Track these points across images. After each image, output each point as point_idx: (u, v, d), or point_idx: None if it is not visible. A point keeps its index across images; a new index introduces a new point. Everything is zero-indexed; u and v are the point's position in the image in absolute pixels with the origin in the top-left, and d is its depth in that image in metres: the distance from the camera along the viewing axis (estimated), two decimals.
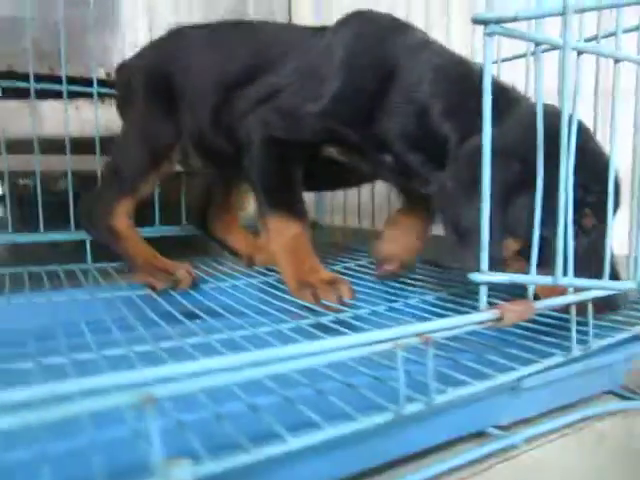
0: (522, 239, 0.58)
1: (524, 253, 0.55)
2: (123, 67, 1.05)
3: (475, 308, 0.47)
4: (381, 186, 1.15)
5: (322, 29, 0.88)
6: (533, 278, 0.44)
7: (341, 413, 0.39)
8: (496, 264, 0.52)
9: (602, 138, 0.66)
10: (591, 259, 0.56)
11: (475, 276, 0.43)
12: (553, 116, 0.46)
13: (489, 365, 0.48)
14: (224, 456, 0.33)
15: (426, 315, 0.67)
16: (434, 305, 0.73)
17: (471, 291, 0.79)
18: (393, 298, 0.78)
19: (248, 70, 0.88)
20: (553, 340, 0.55)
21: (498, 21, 0.39)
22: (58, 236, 1.05)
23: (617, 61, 0.49)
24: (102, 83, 1.14)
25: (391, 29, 0.79)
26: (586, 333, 0.54)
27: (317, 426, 0.37)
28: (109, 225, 0.91)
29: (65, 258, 1.04)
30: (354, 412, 0.39)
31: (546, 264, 0.48)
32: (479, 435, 0.55)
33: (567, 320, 0.53)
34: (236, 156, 0.85)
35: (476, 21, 0.40)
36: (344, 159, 0.82)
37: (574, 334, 0.51)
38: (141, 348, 0.56)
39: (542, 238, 0.45)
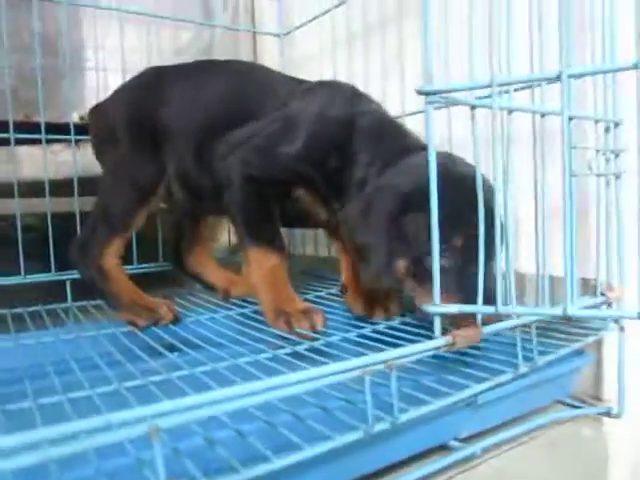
0: (406, 257, 0.73)
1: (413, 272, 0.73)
2: (97, 108, 1.08)
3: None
4: None
5: (299, 81, 0.98)
6: (479, 308, 0.51)
7: (318, 434, 0.45)
8: (386, 279, 0.75)
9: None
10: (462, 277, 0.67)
11: (429, 307, 0.49)
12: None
13: (447, 384, 0.54)
14: (218, 478, 0.38)
15: (392, 340, 0.73)
16: (399, 330, 0.79)
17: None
18: (362, 324, 0.83)
19: (229, 115, 0.95)
20: (503, 358, 0.62)
21: (437, 92, 0.47)
22: (39, 277, 1.08)
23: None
24: (76, 127, 1.19)
25: (352, 96, 0.92)
26: (532, 351, 0.61)
27: (298, 447, 0.42)
28: (99, 265, 0.94)
29: (45, 295, 1.07)
30: (329, 432, 0.45)
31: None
32: (441, 448, 0.61)
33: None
34: (217, 193, 0.91)
35: (420, 92, 0.47)
36: (310, 201, 0.89)
37: (520, 353, 0.58)
38: (131, 383, 0.60)
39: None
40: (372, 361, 0.45)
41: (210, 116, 0.96)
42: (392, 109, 0.92)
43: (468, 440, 0.61)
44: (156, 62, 1.38)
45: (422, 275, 0.71)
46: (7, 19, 1.08)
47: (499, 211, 0.56)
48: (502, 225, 0.56)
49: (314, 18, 1.28)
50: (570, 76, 0.49)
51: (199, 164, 0.96)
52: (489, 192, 0.58)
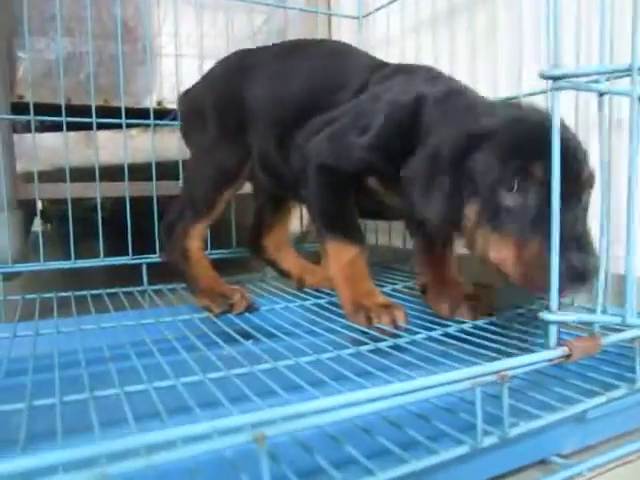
0: (476, 201, 0.65)
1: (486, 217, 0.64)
2: (187, 94, 1.08)
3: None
4: None
5: (382, 65, 0.93)
6: (600, 318, 0.46)
7: (420, 446, 0.42)
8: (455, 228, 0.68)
9: None
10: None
11: (546, 315, 0.45)
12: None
13: (555, 397, 0.50)
14: None
15: (480, 341, 0.68)
16: (486, 330, 0.74)
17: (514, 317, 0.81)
18: (445, 322, 0.79)
19: (311, 102, 0.91)
20: (615, 370, 0.56)
21: (564, 77, 0.42)
22: (117, 260, 1.09)
23: None
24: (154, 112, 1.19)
25: (430, 79, 0.83)
26: None
27: (400, 459, 0.39)
28: (182, 247, 0.96)
29: (123, 277, 1.10)
30: (431, 444, 0.41)
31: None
32: (542, 463, 0.56)
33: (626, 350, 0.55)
34: (295, 181, 0.89)
35: (544, 76, 0.42)
36: (385, 192, 0.85)
37: (638, 366, 0.53)
38: (215, 375, 0.59)
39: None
40: (483, 372, 0.41)
41: (294, 102, 0.94)
42: (483, 92, 0.85)
43: (571, 456, 0.56)
44: (231, 47, 1.37)
45: (496, 218, 0.63)
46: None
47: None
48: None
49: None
50: None
51: (280, 150, 0.94)
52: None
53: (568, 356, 0.46)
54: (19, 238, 1.04)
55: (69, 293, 0.98)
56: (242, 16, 1.34)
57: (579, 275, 0.54)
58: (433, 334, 0.74)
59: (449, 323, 0.78)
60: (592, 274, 0.54)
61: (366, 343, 0.70)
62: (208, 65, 1.11)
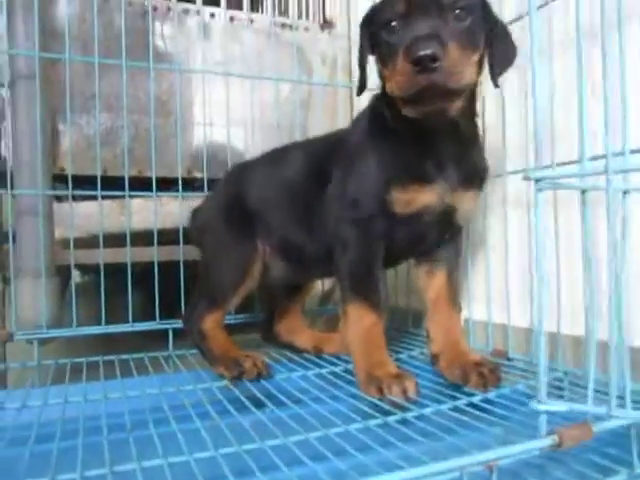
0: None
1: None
2: (197, 212, 1.18)
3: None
4: None
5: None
6: (590, 408, 0.48)
7: None
8: None
9: None
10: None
11: (535, 405, 0.47)
12: None
13: None
14: None
15: (488, 417, 0.69)
16: (495, 404, 0.75)
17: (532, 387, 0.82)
18: (456, 394, 0.80)
19: (312, 180, 0.98)
20: (615, 452, 0.57)
21: (545, 179, 0.45)
22: (145, 326, 1.15)
23: None
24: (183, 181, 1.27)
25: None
26: None
27: None
28: (199, 329, 1.03)
29: (151, 339, 1.15)
30: None
31: None
32: None
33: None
34: (325, 254, 0.93)
35: (527, 178, 0.46)
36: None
37: (635, 450, 0.53)
38: (226, 450, 0.62)
39: None
40: (471, 462, 0.43)
41: (295, 185, 1.02)
42: None
43: None
44: (258, 115, 1.46)
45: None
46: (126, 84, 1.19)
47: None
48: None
49: None
50: None
51: (303, 230, 1.01)
52: None
53: (558, 444, 0.47)
54: (55, 304, 1.11)
55: (98, 358, 1.04)
56: (269, 86, 1.41)
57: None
58: (442, 407, 0.75)
59: (459, 395, 0.80)
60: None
61: (375, 417, 0.72)
62: (234, 132, 1.20)
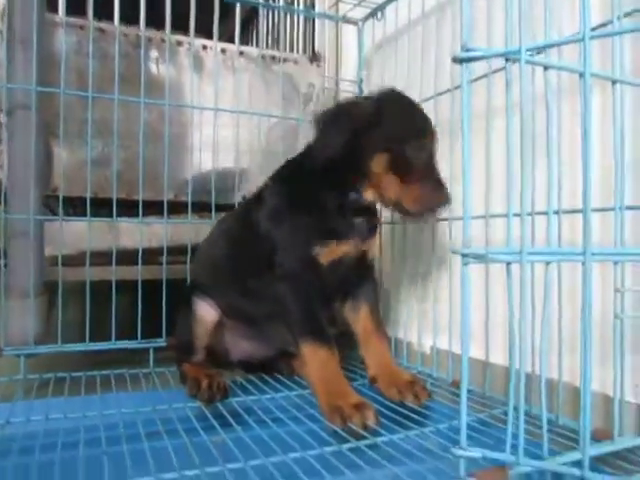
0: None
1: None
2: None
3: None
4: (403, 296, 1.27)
5: None
6: (500, 456, 0.54)
7: None
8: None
9: None
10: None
11: (455, 450, 0.53)
12: None
13: None
14: None
15: (434, 449, 0.76)
16: (443, 436, 0.82)
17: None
18: (411, 425, 0.87)
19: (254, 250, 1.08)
20: None
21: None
22: (127, 344, 1.21)
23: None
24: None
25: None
26: None
27: None
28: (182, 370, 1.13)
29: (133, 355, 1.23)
30: None
31: None
32: None
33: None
34: (264, 307, 1.08)
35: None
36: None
37: None
38: (191, 472, 0.69)
39: None
40: None
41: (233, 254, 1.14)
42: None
43: None
44: (246, 140, 1.51)
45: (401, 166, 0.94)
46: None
47: None
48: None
49: None
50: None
51: (244, 293, 1.11)
52: None
53: None
54: (42, 322, 1.17)
55: (81, 374, 1.11)
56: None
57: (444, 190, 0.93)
58: (394, 437, 0.81)
59: (413, 426, 0.86)
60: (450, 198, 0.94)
61: (330, 444, 0.78)
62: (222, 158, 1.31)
